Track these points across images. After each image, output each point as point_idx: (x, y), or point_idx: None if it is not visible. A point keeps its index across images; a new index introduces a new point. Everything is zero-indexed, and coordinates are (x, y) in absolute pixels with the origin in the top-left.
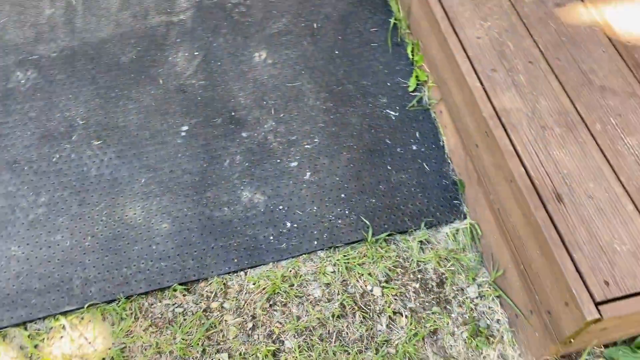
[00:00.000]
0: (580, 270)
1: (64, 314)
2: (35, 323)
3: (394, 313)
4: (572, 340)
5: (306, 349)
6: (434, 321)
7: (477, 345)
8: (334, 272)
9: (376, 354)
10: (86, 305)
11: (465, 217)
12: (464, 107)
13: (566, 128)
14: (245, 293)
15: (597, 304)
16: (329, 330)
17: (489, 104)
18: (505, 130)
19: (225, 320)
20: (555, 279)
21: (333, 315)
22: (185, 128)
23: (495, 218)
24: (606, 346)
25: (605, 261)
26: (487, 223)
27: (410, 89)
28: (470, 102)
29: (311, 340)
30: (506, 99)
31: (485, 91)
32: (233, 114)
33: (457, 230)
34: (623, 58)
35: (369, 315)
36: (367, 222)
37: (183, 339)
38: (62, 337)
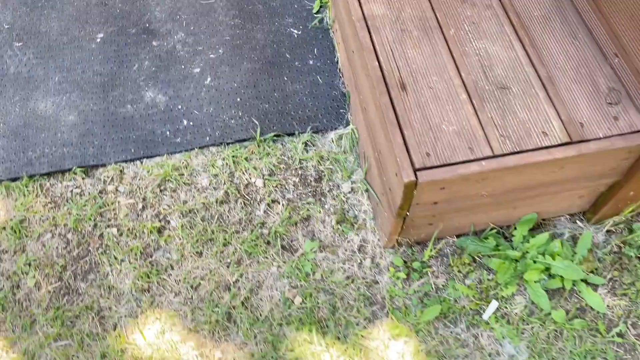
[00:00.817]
0: (407, 144)
1: None
2: None
3: (272, 202)
4: (407, 213)
5: (188, 228)
6: (308, 210)
7: (343, 231)
8: (222, 165)
9: (251, 234)
10: None
11: (348, 124)
12: (345, 17)
13: (423, 32)
14: (139, 179)
15: (416, 170)
16: (211, 214)
17: (360, 10)
18: (369, 31)
19: (118, 202)
20: (390, 154)
21: (217, 201)
22: (100, 35)
23: (364, 117)
24: (458, 236)
25: (431, 137)
26: (361, 124)
27: (314, 10)
28: (347, 10)
29: (194, 220)
30: (375, 6)
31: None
32: (147, 25)
33: (341, 135)
34: None
35: (250, 203)
36: (258, 123)
37: (77, 214)
38: None
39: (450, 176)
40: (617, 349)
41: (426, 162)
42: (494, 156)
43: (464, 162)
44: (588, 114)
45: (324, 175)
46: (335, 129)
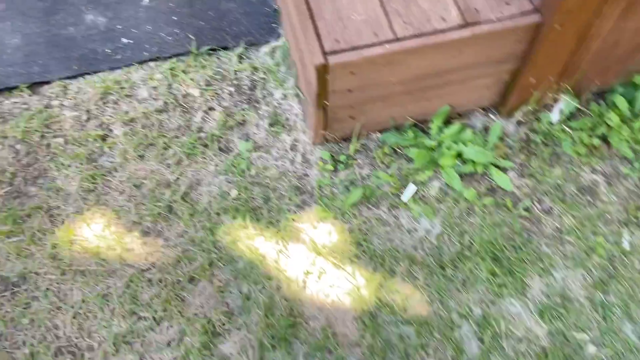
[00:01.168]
0: (319, 33)
1: None
2: None
3: (209, 109)
4: (326, 102)
5: (130, 135)
6: (243, 115)
7: (276, 132)
8: (161, 78)
9: (189, 138)
10: None
11: (280, 37)
12: None
13: None
14: (83, 93)
15: (326, 54)
16: (152, 122)
17: None
18: None
19: (64, 114)
20: (307, 47)
21: (156, 110)
22: None
23: (289, 25)
24: (382, 132)
25: (341, 26)
26: (289, 35)
27: None
28: None
29: (135, 128)
30: None
31: None
32: None
33: (274, 48)
34: None
35: (188, 111)
36: (194, 38)
37: (25, 127)
38: None
39: (357, 59)
40: (524, 222)
41: (335, 47)
42: (397, 39)
43: (369, 45)
44: (483, 1)
45: (258, 85)
46: (268, 42)
